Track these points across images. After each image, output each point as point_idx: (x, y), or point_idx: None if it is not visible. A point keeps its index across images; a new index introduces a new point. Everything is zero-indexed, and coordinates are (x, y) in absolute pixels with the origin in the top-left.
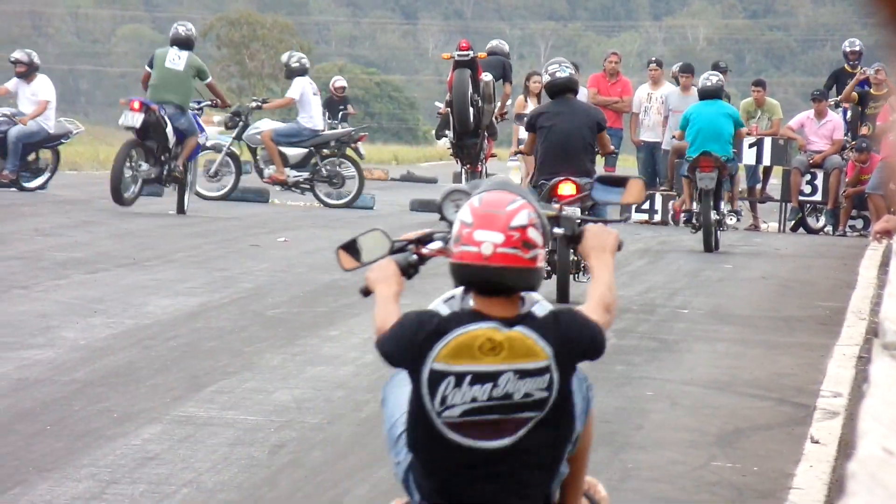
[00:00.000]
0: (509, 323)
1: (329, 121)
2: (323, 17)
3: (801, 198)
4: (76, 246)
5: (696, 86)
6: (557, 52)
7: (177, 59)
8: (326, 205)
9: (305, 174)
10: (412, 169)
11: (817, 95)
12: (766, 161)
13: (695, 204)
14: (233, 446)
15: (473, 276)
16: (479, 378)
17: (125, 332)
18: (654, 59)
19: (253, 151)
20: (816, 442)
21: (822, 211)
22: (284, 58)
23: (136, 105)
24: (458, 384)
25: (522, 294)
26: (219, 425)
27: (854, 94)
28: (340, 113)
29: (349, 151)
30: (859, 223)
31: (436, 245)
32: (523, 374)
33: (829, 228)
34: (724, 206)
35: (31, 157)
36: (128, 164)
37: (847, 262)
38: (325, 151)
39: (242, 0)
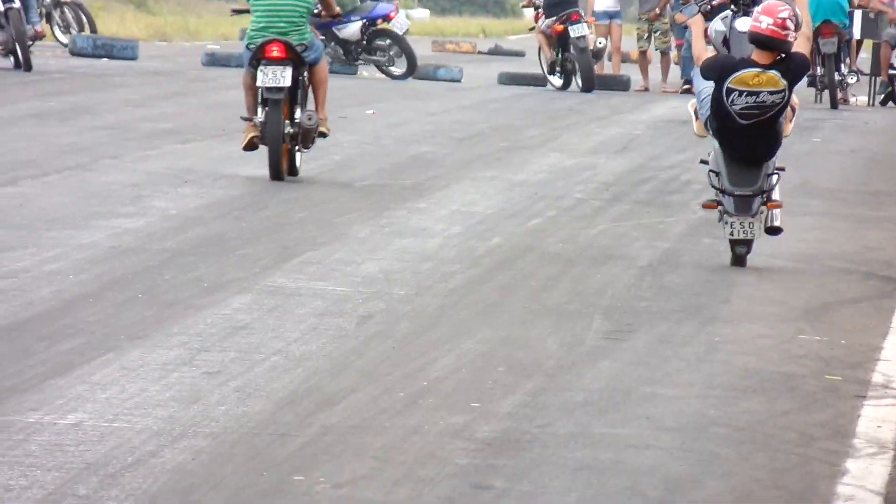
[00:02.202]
0: (768, 68)
1: None
2: None
3: (891, 72)
4: (165, 117)
5: None
6: None
7: None
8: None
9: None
10: (500, 42)
11: None
12: (856, 35)
13: (819, 68)
14: (321, 317)
15: (756, 38)
16: (751, 94)
17: (215, 202)
18: None
19: None
20: None
21: None
22: None
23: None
24: (740, 95)
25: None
26: (307, 296)
27: None
28: None
29: None
30: None
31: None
32: (772, 93)
33: None
34: (844, 68)
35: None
36: None
37: None
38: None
39: None
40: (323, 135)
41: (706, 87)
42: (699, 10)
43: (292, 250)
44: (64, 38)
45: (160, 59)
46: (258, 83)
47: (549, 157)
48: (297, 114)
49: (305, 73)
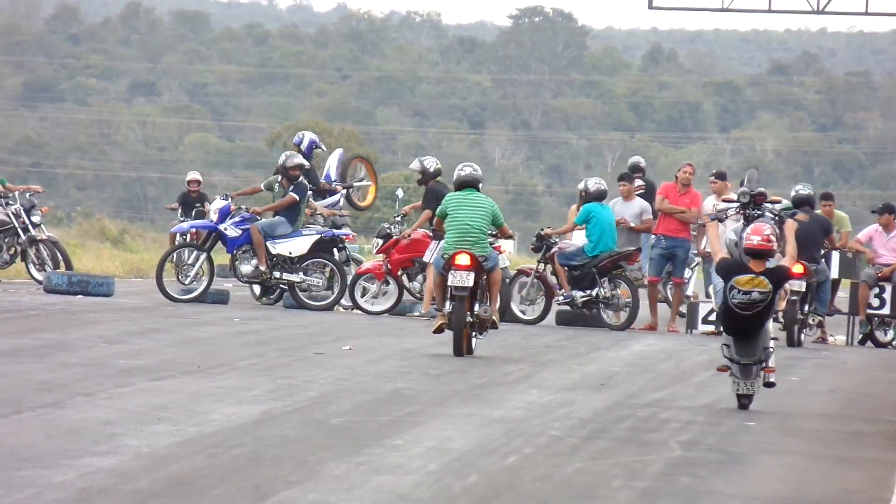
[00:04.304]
0: (760, 274)
1: (182, 217)
2: (390, 126)
3: (869, 311)
4: (141, 353)
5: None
6: (624, 163)
7: None
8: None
9: None
10: None
11: (880, 209)
12: (835, 274)
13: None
14: None
15: (750, 251)
16: (745, 293)
17: (189, 439)
18: (714, 171)
19: None
20: None
21: (890, 324)
22: None
23: None
24: (739, 292)
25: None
26: None
27: None
28: (195, 210)
29: None
30: None
31: (732, 211)
32: (761, 293)
33: None
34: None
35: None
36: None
37: None
38: None
39: (310, 109)
40: (494, 325)
41: (720, 283)
42: (716, 218)
43: (266, 489)
44: (39, 276)
45: (136, 296)
46: (448, 283)
47: (526, 394)
48: (476, 307)
49: (484, 277)
